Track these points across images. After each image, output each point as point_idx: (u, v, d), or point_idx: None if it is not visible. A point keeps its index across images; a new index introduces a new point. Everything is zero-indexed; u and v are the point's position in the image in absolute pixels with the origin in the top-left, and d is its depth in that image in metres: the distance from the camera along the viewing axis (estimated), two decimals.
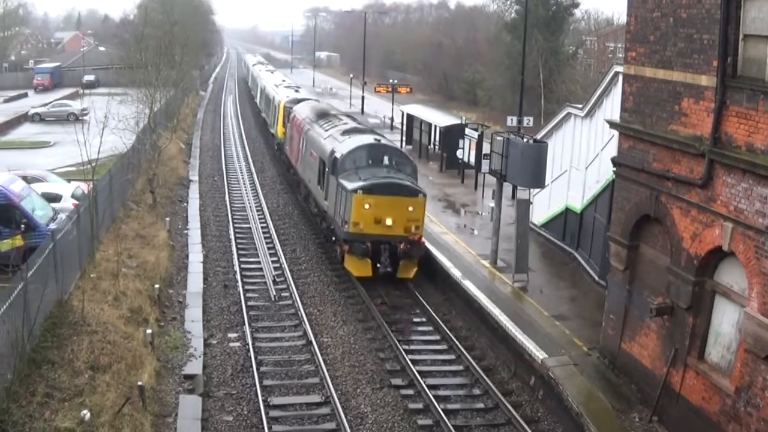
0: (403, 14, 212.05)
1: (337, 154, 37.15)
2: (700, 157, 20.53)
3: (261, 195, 52.84)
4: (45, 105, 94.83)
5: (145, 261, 33.53)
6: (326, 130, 42.32)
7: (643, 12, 23.45)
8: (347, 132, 40.40)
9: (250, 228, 44.45)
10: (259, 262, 38.09)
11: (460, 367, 27.65)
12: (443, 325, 30.74)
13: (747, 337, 18.64)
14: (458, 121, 62.34)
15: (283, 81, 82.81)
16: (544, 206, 43.33)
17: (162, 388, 24.26)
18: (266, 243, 41.16)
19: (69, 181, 44.96)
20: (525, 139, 34.35)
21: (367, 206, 33.84)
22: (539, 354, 25.71)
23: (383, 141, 39.29)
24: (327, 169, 38.39)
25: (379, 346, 28.94)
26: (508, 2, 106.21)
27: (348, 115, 50.70)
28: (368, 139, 38.66)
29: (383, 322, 30.90)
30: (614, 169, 26.23)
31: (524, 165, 33.04)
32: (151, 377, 23.68)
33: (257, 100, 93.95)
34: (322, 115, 47.32)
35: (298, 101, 59.12)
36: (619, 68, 29.95)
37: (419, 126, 69.04)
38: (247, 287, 34.63)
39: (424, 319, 32.28)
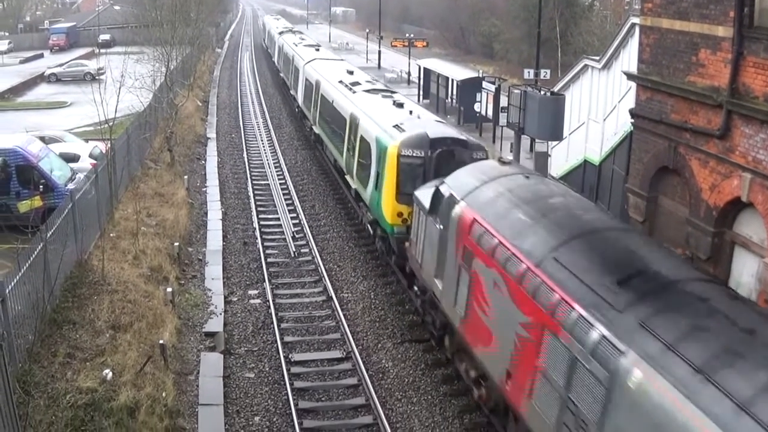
0: None
1: None
2: (718, 108, 20.39)
3: (279, 151, 52.71)
4: (61, 65, 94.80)
5: (164, 219, 33.60)
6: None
7: None
8: None
9: (268, 185, 44.41)
10: (278, 219, 38.09)
11: None
12: None
13: (767, 288, 18.59)
14: (475, 75, 62.27)
15: (351, 74, 47.63)
16: (562, 159, 43.32)
17: (183, 346, 24.43)
18: (285, 199, 41.13)
19: (86, 140, 45.04)
20: (542, 92, 34.17)
21: None
22: None
23: None
24: None
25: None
26: None
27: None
28: None
29: None
30: (632, 120, 26.12)
31: (542, 118, 32.86)
32: (172, 335, 23.82)
33: (296, 94, 60.76)
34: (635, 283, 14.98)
35: (446, 152, 28.87)
36: (636, 19, 29.75)
37: (436, 80, 68.89)
38: (266, 244, 34.66)
39: None
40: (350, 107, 37.69)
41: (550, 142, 42.08)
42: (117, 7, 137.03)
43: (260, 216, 38.49)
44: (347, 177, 37.32)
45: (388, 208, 29.03)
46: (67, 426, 16.97)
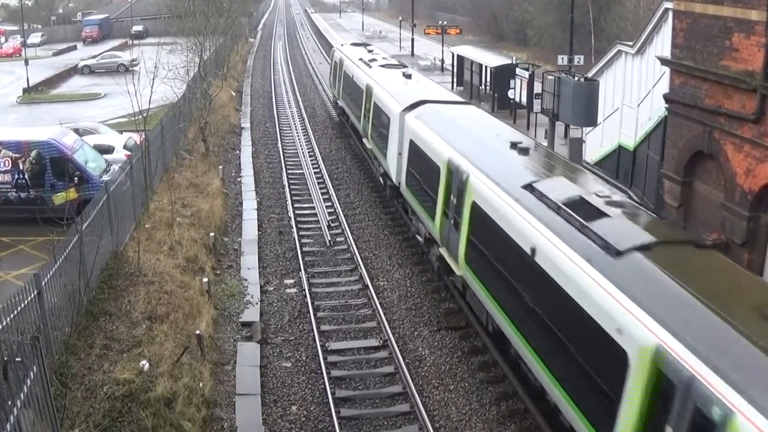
0: None
1: None
2: (752, 92, 20.22)
3: (313, 140, 52.65)
4: (94, 57, 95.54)
5: (200, 210, 33.61)
6: None
7: None
8: None
9: (303, 174, 44.36)
10: (313, 208, 38.02)
11: None
12: None
13: None
14: (509, 61, 61.94)
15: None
16: (596, 144, 43.07)
17: (220, 336, 24.43)
18: (320, 188, 41.05)
19: (121, 132, 45.22)
20: (576, 78, 34.00)
21: None
22: None
23: None
24: None
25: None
26: None
27: None
28: None
29: None
30: (666, 105, 25.95)
31: (576, 103, 32.77)
32: (208, 326, 23.82)
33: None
34: None
35: None
36: (669, 4, 29.53)
37: (470, 67, 68.64)
38: (302, 233, 34.58)
39: None
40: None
41: (584, 128, 41.84)
42: None
43: (295, 205, 38.42)
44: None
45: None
46: (105, 417, 16.97)
